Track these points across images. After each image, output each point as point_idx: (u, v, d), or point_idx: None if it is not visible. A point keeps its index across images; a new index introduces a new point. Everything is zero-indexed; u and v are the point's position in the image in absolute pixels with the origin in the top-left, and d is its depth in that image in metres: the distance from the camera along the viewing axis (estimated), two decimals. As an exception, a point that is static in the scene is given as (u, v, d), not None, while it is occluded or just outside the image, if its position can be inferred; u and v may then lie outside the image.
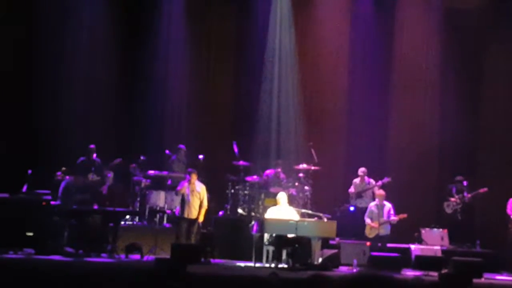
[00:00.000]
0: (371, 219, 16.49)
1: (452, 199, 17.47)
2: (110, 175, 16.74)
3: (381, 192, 16.71)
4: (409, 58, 19.29)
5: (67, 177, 16.10)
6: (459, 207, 17.37)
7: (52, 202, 15.45)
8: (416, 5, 19.27)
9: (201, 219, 15.73)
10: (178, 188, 15.83)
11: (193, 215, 15.63)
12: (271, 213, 15.55)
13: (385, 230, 16.41)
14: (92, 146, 17.34)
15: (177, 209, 16.02)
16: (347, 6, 19.45)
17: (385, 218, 16.38)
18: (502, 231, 17.04)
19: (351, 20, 19.44)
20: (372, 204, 16.70)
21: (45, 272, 13.28)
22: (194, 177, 15.69)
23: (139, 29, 19.15)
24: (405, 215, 16.35)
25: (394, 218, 16.34)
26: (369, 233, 16.46)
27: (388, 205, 16.51)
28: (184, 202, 15.62)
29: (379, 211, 16.42)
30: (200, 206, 15.66)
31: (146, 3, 19.23)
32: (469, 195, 17.37)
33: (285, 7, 19.38)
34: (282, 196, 15.68)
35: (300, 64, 19.35)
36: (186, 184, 15.69)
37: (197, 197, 15.64)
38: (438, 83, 19.19)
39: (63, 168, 16.57)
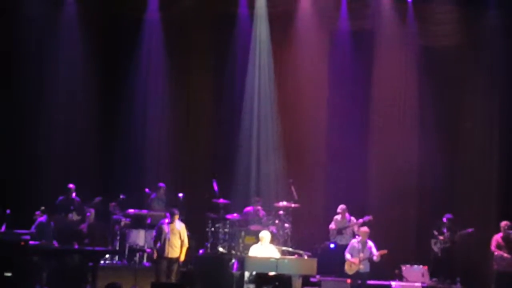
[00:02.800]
0: (351, 255, 16.44)
1: (441, 237, 17.50)
2: (90, 214, 16.66)
3: (366, 229, 16.60)
4: (387, 96, 19.49)
5: (43, 216, 15.99)
6: (448, 245, 17.42)
7: (30, 242, 15.30)
8: (394, 44, 19.51)
9: (182, 258, 15.65)
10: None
11: (174, 254, 15.55)
12: (253, 251, 15.51)
13: (365, 267, 16.37)
14: (71, 185, 17.30)
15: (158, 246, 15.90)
16: (326, 45, 19.65)
17: (367, 255, 16.32)
18: (483, 268, 17.09)
19: (330, 58, 19.64)
20: (355, 240, 16.64)
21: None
22: (176, 217, 15.64)
23: (118, 67, 19.17)
24: (385, 251, 16.35)
25: (376, 254, 16.27)
26: (349, 269, 16.38)
27: (370, 243, 16.47)
28: (164, 241, 15.54)
29: (362, 248, 16.35)
30: (181, 245, 15.60)
31: (125, 41, 19.27)
32: (457, 234, 17.42)
33: (265, 44, 19.53)
34: (265, 235, 15.63)
35: (279, 102, 19.48)
36: (165, 222, 15.63)
37: (177, 235, 15.58)
38: (416, 121, 19.38)
39: (42, 208, 16.46)
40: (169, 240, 15.50)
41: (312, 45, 19.58)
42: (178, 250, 15.57)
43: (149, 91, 19.51)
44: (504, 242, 16.53)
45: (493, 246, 16.59)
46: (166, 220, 15.67)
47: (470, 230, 17.46)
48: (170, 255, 15.52)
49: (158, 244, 15.58)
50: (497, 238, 16.59)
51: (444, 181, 18.88)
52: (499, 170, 18.90)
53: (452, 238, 17.43)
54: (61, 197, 17.21)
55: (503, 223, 16.61)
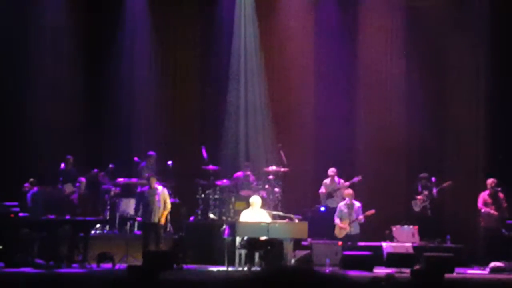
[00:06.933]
0: (341, 219, 16.52)
1: (419, 197, 17.58)
2: (79, 184, 16.63)
3: (350, 191, 16.75)
4: (374, 58, 19.40)
5: (35, 187, 15.94)
6: (427, 203, 17.51)
7: (20, 214, 15.29)
8: (379, 6, 19.37)
9: (162, 221, 15.68)
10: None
11: (158, 219, 15.62)
12: (244, 216, 15.54)
13: (354, 229, 16.48)
14: (69, 156, 17.35)
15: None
16: (311, 10, 19.50)
17: (355, 216, 16.45)
18: (472, 225, 17.20)
19: (315, 23, 19.49)
20: (342, 204, 16.74)
21: (16, 285, 13.20)
22: (153, 181, 15.69)
23: (104, 37, 19.03)
24: (373, 211, 16.45)
25: (360, 217, 16.43)
26: (339, 233, 16.49)
27: (357, 204, 16.58)
28: (147, 208, 15.58)
29: (349, 210, 16.48)
30: (164, 209, 15.65)
31: (109, 8, 19.10)
32: (433, 191, 17.53)
33: (249, 13, 19.39)
34: (256, 200, 15.64)
35: (266, 67, 19.38)
36: (145, 189, 15.69)
37: (160, 200, 15.62)
38: (403, 83, 19.30)
39: (31, 179, 16.40)
40: (151, 205, 15.54)
41: (297, 9, 19.43)
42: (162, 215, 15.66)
43: (135, 59, 19.38)
44: (491, 200, 16.65)
45: (480, 204, 16.74)
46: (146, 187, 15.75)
47: (447, 183, 17.51)
48: (154, 221, 15.56)
49: (140, 212, 15.62)
50: (483, 195, 16.74)
51: (432, 138, 18.90)
52: (485, 124, 18.88)
53: (429, 196, 17.50)
54: (60, 168, 17.22)
55: (490, 181, 16.71)
